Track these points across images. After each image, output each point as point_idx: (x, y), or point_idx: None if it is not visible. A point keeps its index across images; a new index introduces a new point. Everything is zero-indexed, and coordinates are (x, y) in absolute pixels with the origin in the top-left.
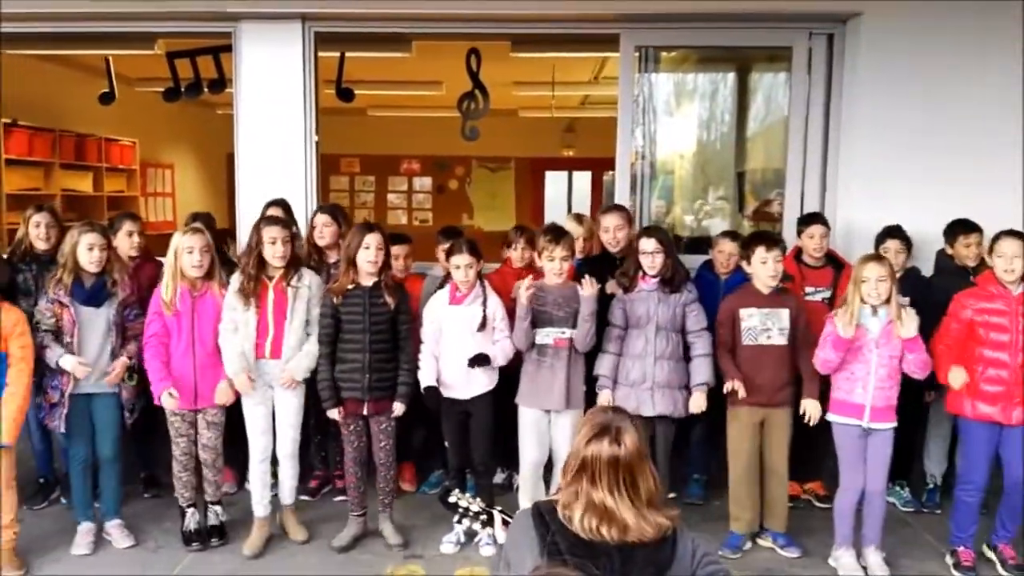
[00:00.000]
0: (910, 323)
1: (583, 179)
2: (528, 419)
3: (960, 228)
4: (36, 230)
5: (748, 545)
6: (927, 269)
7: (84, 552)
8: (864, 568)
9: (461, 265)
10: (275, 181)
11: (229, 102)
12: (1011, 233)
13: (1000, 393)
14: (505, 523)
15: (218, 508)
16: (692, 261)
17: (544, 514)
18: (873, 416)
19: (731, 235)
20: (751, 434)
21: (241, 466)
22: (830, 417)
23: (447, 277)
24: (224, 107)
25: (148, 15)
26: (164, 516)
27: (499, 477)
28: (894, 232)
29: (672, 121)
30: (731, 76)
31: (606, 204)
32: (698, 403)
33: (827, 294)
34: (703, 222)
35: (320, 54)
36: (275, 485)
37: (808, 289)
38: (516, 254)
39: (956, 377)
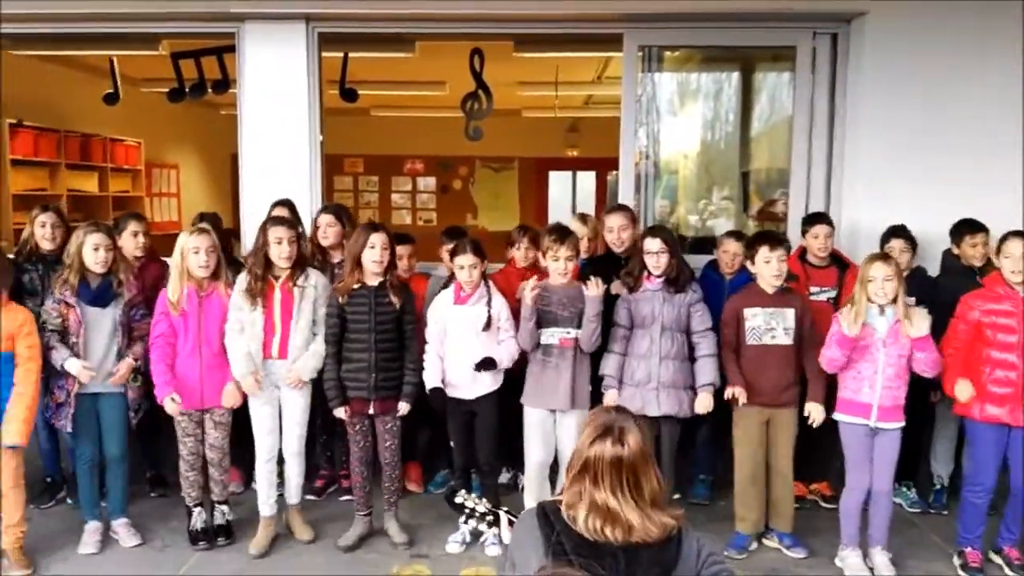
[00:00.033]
0: (921, 322)
1: (587, 179)
2: (533, 419)
3: (966, 228)
4: (42, 230)
5: (754, 545)
6: (933, 269)
7: (91, 551)
8: (871, 569)
9: (465, 265)
10: (279, 181)
11: (233, 102)
12: (1019, 234)
13: (1008, 395)
14: (511, 523)
15: (224, 507)
16: (696, 261)
17: (549, 514)
18: (880, 415)
19: (735, 235)
20: (757, 434)
21: (247, 466)
22: (837, 416)
23: (451, 277)
24: (228, 107)
25: (152, 16)
26: (170, 515)
27: (504, 477)
28: (898, 232)
29: (676, 121)
30: (735, 76)
31: (610, 204)
32: (704, 404)
33: (832, 294)
34: (707, 222)
35: (324, 54)
36: (281, 485)
37: (813, 289)
38: (519, 254)
39: (962, 391)
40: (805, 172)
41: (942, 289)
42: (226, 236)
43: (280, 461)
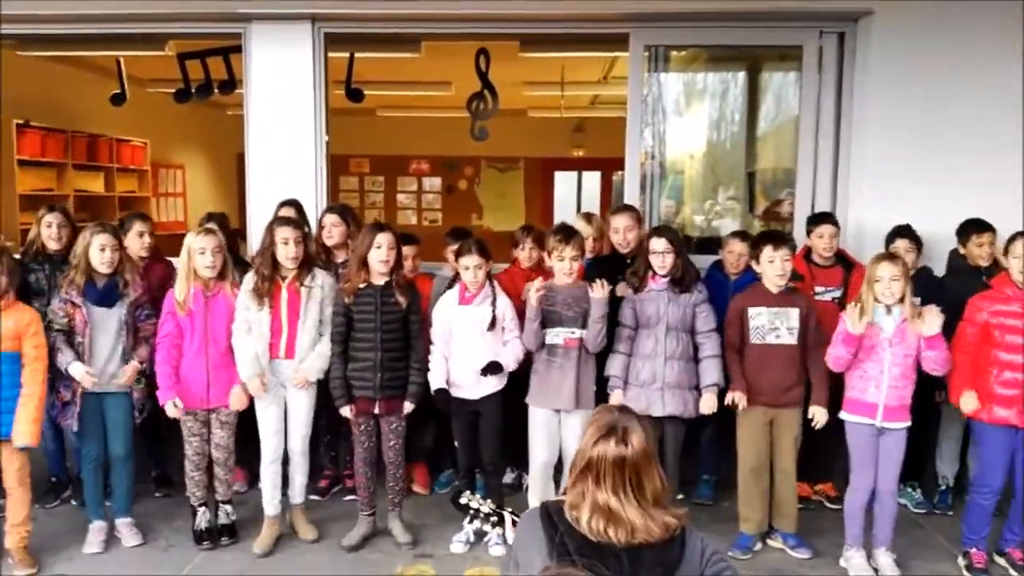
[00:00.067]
0: (933, 320)
1: (593, 179)
2: (538, 419)
3: (973, 228)
4: (48, 230)
5: (758, 546)
6: (939, 269)
7: (96, 550)
8: (875, 569)
9: (470, 266)
10: (285, 181)
11: (239, 103)
12: None
13: (1016, 396)
14: (515, 523)
15: (229, 507)
16: (702, 261)
17: (552, 514)
18: (886, 415)
19: (741, 235)
20: (760, 434)
21: (252, 465)
22: (843, 415)
23: (456, 277)
24: (234, 108)
25: (159, 16)
26: (175, 515)
27: (509, 477)
28: (903, 232)
29: (682, 121)
30: (741, 75)
31: (616, 204)
32: (708, 404)
33: (837, 294)
34: (713, 222)
35: (330, 55)
36: (285, 484)
37: (818, 289)
38: (524, 254)
39: (968, 403)
40: (811, 172)
41: (948, 289)
42: (232, 236)
43: (284, 461)
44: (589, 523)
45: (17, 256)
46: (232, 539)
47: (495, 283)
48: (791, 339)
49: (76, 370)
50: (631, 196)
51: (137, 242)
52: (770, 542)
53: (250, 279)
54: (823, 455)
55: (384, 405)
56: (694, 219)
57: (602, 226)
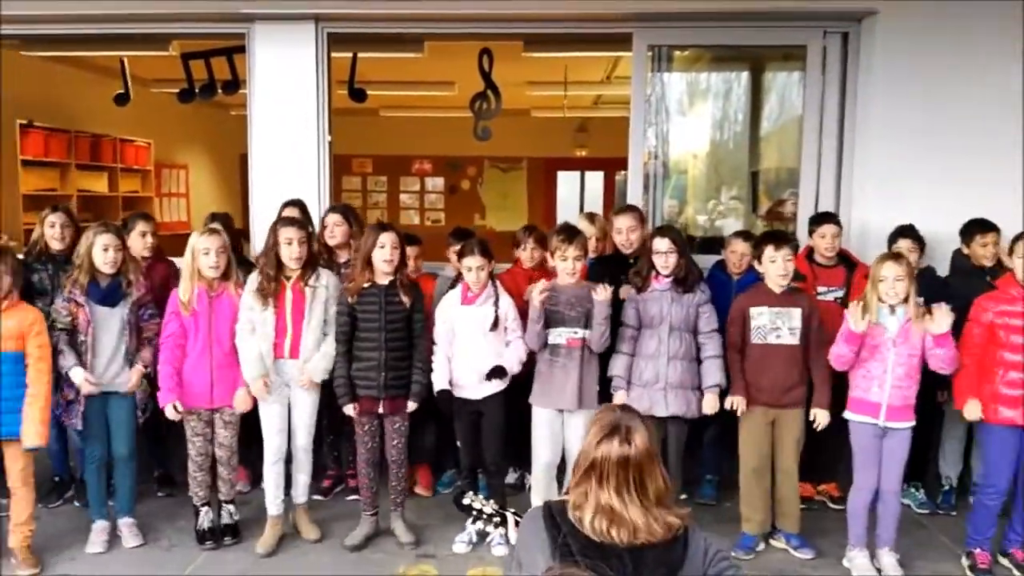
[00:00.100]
0: (943, 319)
1: (595, 179)
2: (541, 419)
3: (977, 228)
4: (51, 230)
5: (761, 546)
6: (942, 269)
7: (98, 550)
8: (878, 570)
9: (473, 267)
10: (288, 181)
11: (243, 103)
12: None
13: (1020, 397)
14: (517, 524)
15: (231, 507)
16: (705, 261)
17: (555, 515)
18: (889, 415)
19: (744, 235)
20: (762, 434)
21: (255, 465)
22: (847, 415)
23: (458, 278)
24: (238, 108)
25: (162, 16)
26: (178, 515)
27: (511, 477)
28: (906, 232)
29: (685, 121)
30: (744, 75)
31: (619, 204)
32: (711, 404)
33: (839, 293)
34: (716, 222)
35: (333, 55)
36: (288, 484)
37: (820, 289)
38: (526, 254)
39: (972, 410)
40: (815, 172)
41: (952, 289)
42: (236, 236)
43: (287, 461)
44: (592, 523)
45: (21, 256)
46: (235, 539)
47: (497, 283)
48: (793, 339)
49: (77, 375)
50: (634, 196)
51: (140, 242)
52: (773, 542)
53: (254, 279)
54: (826, 455)
55: (388, 404)
56: (697, 219)
57: (605, 226)
